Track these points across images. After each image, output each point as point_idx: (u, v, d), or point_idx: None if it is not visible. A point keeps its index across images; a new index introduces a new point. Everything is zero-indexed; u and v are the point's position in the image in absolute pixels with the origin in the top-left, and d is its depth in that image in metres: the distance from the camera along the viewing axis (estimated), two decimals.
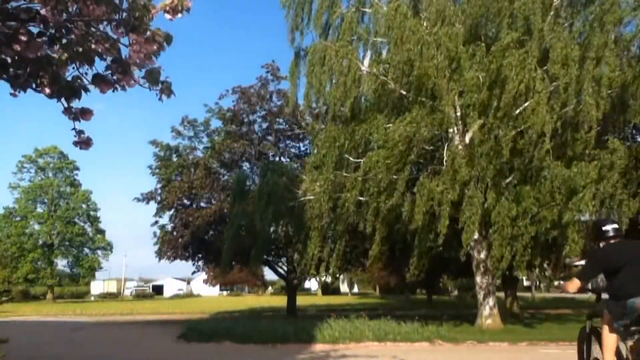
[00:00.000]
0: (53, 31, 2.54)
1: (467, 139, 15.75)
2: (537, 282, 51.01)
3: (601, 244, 5.13)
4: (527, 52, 14.03)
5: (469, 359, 11.29)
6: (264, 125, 26.17)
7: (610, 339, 4.88)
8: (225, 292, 77.97)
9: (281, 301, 31.70)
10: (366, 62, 17.21)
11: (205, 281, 67.55)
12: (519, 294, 28.47)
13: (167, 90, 2.63)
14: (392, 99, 16.82)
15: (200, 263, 27.48)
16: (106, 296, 65.74)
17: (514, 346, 12.68)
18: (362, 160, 15.93)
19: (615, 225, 5.16)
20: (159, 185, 25.97)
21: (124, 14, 2.44)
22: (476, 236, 15.68)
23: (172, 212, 25.11)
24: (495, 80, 14.48)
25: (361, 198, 16.15)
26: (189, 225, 23.72)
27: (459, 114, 15.85)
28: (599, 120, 14.10)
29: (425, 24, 15.57)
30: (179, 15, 2.45)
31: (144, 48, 2.48)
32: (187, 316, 27.07)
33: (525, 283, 51.57)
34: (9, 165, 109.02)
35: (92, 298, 65.26)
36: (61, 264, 58.86)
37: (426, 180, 14.98)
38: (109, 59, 2.61)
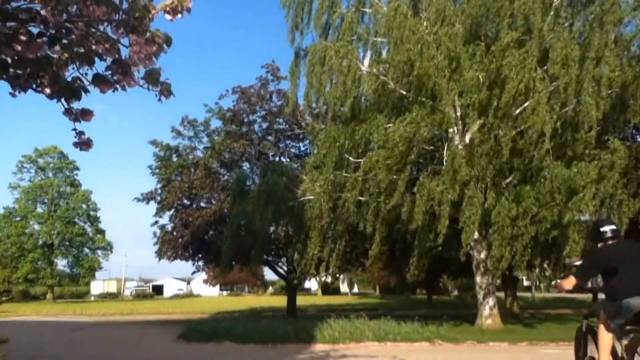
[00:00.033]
0: (53, 32, 2.54)
1: (467, 139, 15.75)
2: (537, 282, 51.03)
3: (599, 245, 5.20)
4: (527, 52, 14.03)
5: (469, 359, 11.29)
6: (264, 125, 26.19)
7: (606, 338, 4.95)
8: (225, 292, 77.97)
9: (281, 301, 31.70)
10: (366, 62, 17.20)
11: (205, 281, 67.55)
12: (519, 294, 28.48)
13: (166, 91, 2.63)
14: (392, 99, 16.82)
15: (200, 263, 27.49)
16: (106, 296, 65.76)
17: (514, 346, 12.68)
18: (362, 160, 15.94)
19: (613, 226, 5.23)
20: (159, 185, 25.99)
21: (124, 15, 2.44)
22: (476, 236, 15.68)
23: (172, 212, 25.12)
24: (495, 80, 14.48)
25: (361, 198, 16.15)
26: (189, 225, 23.73)
27: (459, 114, 15.85)
28: (599, 120, 14.09)
29: (425, 24, 15.56)
30: (179, 15, 2.45)
31: (143, 49, 2.48)
32: (187, 316, 27.08)
33: (525, 283, 51.59)
34: (9, 165, 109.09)
35: (92, 298, 65.27)
36: (61, 264, 58.98)
37: (426, 180, 14.98)
38: (109, 59, 2.62)
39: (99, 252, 60.18)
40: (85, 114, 2.72)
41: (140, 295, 70.47)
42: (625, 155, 14.21)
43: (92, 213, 59.13)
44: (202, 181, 24.34)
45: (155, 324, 22.79)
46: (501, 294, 24.43)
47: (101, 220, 60.39)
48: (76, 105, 2.71)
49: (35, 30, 2.56)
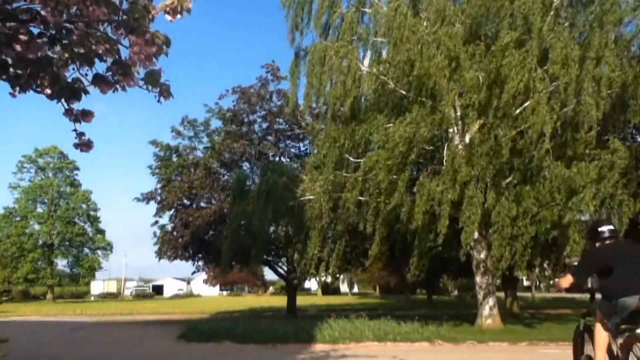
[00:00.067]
0: (53, 32, 2.54)
1: (467, 139, 15.75)
2: (537, 282, 51.03)
3: (597, 244, 5.28)
4: (527, 52, 14.03)
5: (469, 359, 11.30)
6: (264, 125, 26.18)
7: (602, 337, 5.02)
8: (225, 292, 77.96)
9: (281, 301, 31.70)
10: (366, 62, 17.20)
11: (205, 281, 67.56)
12: (519, 294, 28.48)
13: (166, 92, 2.63)
14: (392, 99, 16.82)
15: (200, 263, 27.50)
16: (106, 296, 65.75)
17: (514, 346, 12.68)
18: (362, 160, 15.94)
19: (611, 227, 5.30)
20: (159, 185, 25.99)
21: (124, 15, 2.44)
22: (476, 236, 15.68)
23: (172, 212, 25.12)
24: (495, 80, 14.47)
25: (361, 198, 16.15)
26: (189, 225, 23.73)
27: (458, 114, 15.85)
28: (599, 120, 14.09)
29: (425, 24, 15.56)
30: (179, 16, 2.46)
31: (143, 50, 2.48)
32: (187, 316, 27.08)
33: (525, 283, 51.59)
34: (9, 165, 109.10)
35: (92, 298, 65.27)
36: (61, 264, 58.98)
37: (426, 180, 14.98)
38: (109, 60, 2.62)
39: (99, 252, 60.22)
40: (85, 115, 2.72)
41: (140, 295, 70.47)
42: (625, 155, 14.21)
43: (92, 213, 59.14)
44: (202, 181, 24.34)
45: (155, 324, 22.79)
46: (501, 294, 24.42)
47: (101, 220, 60.48)
48: (76, 105, 2.71)
49: (35, 31, 2.57)
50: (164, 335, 16.48)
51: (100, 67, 2.65)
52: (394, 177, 15.11)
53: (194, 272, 31.81)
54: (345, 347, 12.21)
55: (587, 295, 5.59)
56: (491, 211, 14.70)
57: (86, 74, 2.64)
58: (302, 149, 26.67)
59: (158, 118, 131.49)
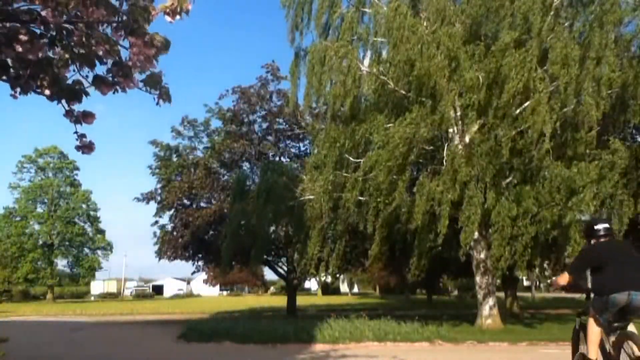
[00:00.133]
0: (54, 33, 2.54)
1: (467, 139, 15.75)
2: (537, 282, 50.97)
3: (592, 241, 5.48)
4: (527, 52, 14.02)
5: (469, 359, 11.30)
6: (264, 125, 26.19)
7: (594, 333, 5.18)
8: (225, 292, 77.97)
9: (281, 301, 31.70)
10: (366, 62, 17.20)
11: (205, 281, 67.56)
12: (519, 294, 28.48)
13: (165, 95, 2.63)
14: (392, 99, 16.82)
15: (200, 263, 27.51)
16: (106, 296, 65.75)
17: (514, 346, 12.69)
18: (362, 160, 15.94)
19: (607, 225, 5.48)
20: (159, 185, 26.00)
21: (123, 17, 2.44)
22: (476, 236, 15.68)
23: (172, 212, 25.13)
24: (495, 80, 14.48)
25: (361, 198, 16.15)
26: (189, 225, 23.74)
27: (458, 114, 15.86)
28: (599, 120, 14.09)
29: (425, 24, 15.57)
30: (179, 17, 2.46)
31: (143, 51, 2.48)
32: (187, 316, 27.08)
33: (525, 283, 51.57)
34: (9, 165, 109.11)
35: (92, 298, 65.28)
36: (61, 264, 58.98)
37: (426, 180, 14.98)
38: (110, 61, 2.62)
39: (99, 252, 60.22)
40: (86, 117, 2.71)
41: (140, 295, 70.47)
42: (625, 155, 14.22)
43: (92, 213, 59.14)
44: (202, 181, 24.35)
45: (155, 324, 22.79)
46: (501, 294, 24.43)
47: (101, 220, 60.47)
48: (77, 107, 2.70)
49: (36, 31, 2.56)
50: (164, 335, 16.48)
51: (100, 69, 2.65)
52: (394, 177, 15.11)
53: (194, 272, 31.87)
54: (345, 347, 12.21)
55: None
56: (491, 211, 14.70)
57: (86, 76, 2.64)
58: (302, 149, 26.70)
59: (158, 118, 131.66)
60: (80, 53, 2.56)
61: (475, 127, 15.50)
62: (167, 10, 2.45)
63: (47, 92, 2.62)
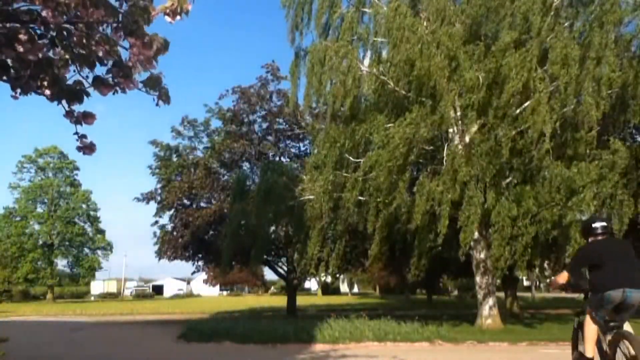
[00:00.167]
0: (54, 33, 2.54)
1: (466, 139, 15.75)
2: (537, 282, 51.00)
3: (590, 240, 5.60)
4: (527, 52, 14.02)
5: (469, 359, 11.30)
6: (264, 125, 26.19)
7: (590, 330, 5.27)
8: (225, 292, 77.98)
9: (281, 301, 31.71)
10: (366, 62, 17.20)
11: (205, 281, 67.57)
12: (519, 294, 28.48)
13: (165, 96, 2.63)
14: (392, 99, 16.82)
15: (200, 263, 27.51)
16: (106, 296, 65.76)
17: (514, 346, 12.68)
18: (362, 160, 15.94)
19: (604, 223, 5.59)
20: (159, 185, 26.00)
21: (121, 18, 2.44)
22: (476, 236, 15.69)
23: (172, 212, 25.13)
24: (495, 80, 14.48)
25: (361, 198, 16.15)
26: (189, 225, 23.74)
27: (458, 114, 15.85)
28: (599, 120, 14.09)
29: (425, 24, 15.57)
30: (179, 17, 2.46)
31: (142, 52, 2.48)
32: (187, 316, 27.08)
33: (525, 283, 51.59)
34: (9, 165, 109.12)
35: (92, 298, 65.29)
36: (61, 264, 59.00)
37: (426, 180, 14.98)
38: (110, 62, 2.62)
39: (99, 252, 60.24)
40: (87, 117, 2.71)
41: (140, 295, 70.48)
42: (625, 156, 14.22)
43: (92, 213, 59.16)
44: (202, 181, 24.35)
45: (155, 324, 22.79)
46: (501, 294, 24.42)
47: (101, 220, 60.51)
48: (77, 107, 2.70)
49: (36, 32, 2.57)
50: (164, 335, 16.48)
51: (100, 69, 2.65)
52: (394, 177, 15.11)
53: (194, 272, 31.87)
54: (345, 347, 12.20)
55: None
56: (491, 211, 14.70)
57: (87, 76, 2.64)
58: (302, 149, 26.71)
59: (158, 118, 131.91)
60: (81, 54, 2.56)
61: (475, 127, 15.51)
62: (167, 10, 2.45)
63: (47, 92, 2.62)
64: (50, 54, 2.61)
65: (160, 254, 25.32)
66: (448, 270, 30.70)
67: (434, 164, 16.49)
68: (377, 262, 24.40)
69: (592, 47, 14.23)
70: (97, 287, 69.07)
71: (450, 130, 16.09)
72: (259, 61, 51.28)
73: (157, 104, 2.64)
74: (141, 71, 2.59)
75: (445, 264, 24.73)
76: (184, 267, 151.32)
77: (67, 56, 2.59)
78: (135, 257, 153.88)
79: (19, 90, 2.64)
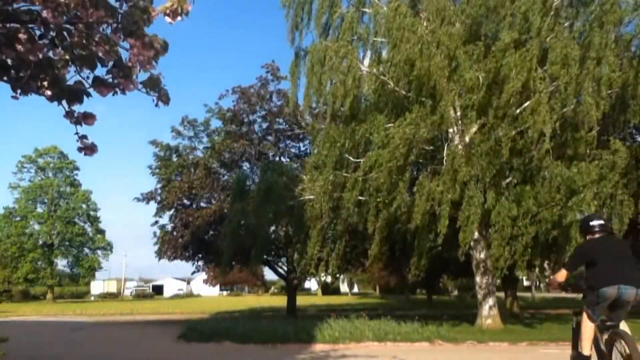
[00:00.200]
0: (54, 34, 2.54)
1: (466, 139, 15.75)
2: (537, 282, 51.03)
3: (588, 237, 5.73)
4: (527, 52, 14.02)
5: (469, 359, 11.30)
6: (264, 125, 26.19)
7: (588, 328, 5.37)
8: (225, 292, 77.98)
9: (281, 301, 31.71)
10: (366, 62, 17.20)
11: (205, 281, 67.58)
12: (519, 294, 28.48)
13: (164, 97, 2.64)
14: (392, 99, 16.82)
15: (200, 263, 27.51)
16: (106, 296, 65.76)
17: (514, 346, 12.69)
18: (362, 160, 15.94)
19: (601, 221, 5.70)
20: (159, 185, 26.00)
21: (122, 18, 2.44)
22: (476, 236, 15.69)
23: (172, 212, 25.13)
24: (495, 80, 14.48)
25: (361, 198, 16.15)
26: (189, 225, 23.74)
27: (458, 114, 15.85)
28: (599, 120, 14.09)
29: (425, 24, 15.57)
30: (179, 18, 2.46)
31: (142, 53, 2.48)
32: (187, 316, 27.08)
33: (525, 283, 51.60)
34: (9, 165, 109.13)
35: (92, 298, 65.29)
36: (61, 264, 59.01)
37: (426, 180, 14.98)
38: (110, 63, 2.62)
39: (99, 252, 60.25)
40: (87, 118, 2.71)
41: (140, 295, 70.47)
42: (625, 156, 14.22)
43: (92, 213, 59.16)
44: (202, 181, 24.35)
45: (155, 324, 22.79)
46: (501, 294, 24.43)
47: (101, 220, 60.51)
48: (77, 108, 2.70)
49: (36, 32, 2.57)
50: (164, 335, 16.48)
51: (101, 70, 2.65)
52: (395, 177, 15.11)
53: (194, 272, 31.86)
54: (345, 347, 12.21)
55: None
56: (491, 211, 14.70)
57: (87, 77, 2.64)
58: (302, 149, 26.71)
59: (158, 118, 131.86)
60: (81, 54, 2.56)
61: (475, 127, 15.51)
62: (167, 11, 2.45)
63: (47, 93, 2.62)
64: (51, 54, 2.61)
65: (160, 254, 25.33)
66: (448, 270, 30.71)
67: (434, 164, 16.49)
68: (377, 262, 24.42)
69: (592, 47, 14.23)
70: (97, 287, 69.07)
71: (450, 130, 16.08)
72: (259, 61, 51.38)
73: (156, 105, 2.64)
74: (141, 72, 2.59)
75: (445, 264, 24.73)
76: (184, 267, 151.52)
77: (67, 56, 2.59)
78: (135, 257, 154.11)
79: (19, 91, 2.64)
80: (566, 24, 15.31)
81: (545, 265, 23.55)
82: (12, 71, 2.62)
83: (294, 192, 18.10)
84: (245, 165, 26.50)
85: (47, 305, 44.29)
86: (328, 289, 66.31)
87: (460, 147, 15.43)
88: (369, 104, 17.55)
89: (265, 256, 23.88)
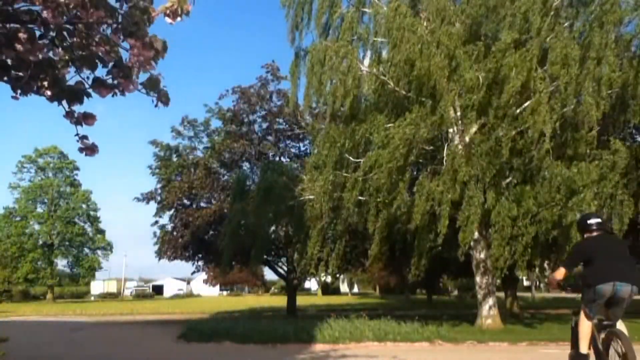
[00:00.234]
0: (54, 34, 2.54)
1: (466, 139, 15.75)
2: (537, 282, 51.03)
3: (585, 235, 5.78)
4: (527, 52, 14.02)
5: (469, 359, 11.30)
6: (264, 125, 26.19)
7: (585, 327, 5.43)
8: (225, 292, 77.99)
9: (281, 301, 31.71)
10: (366, 62, 17.20)
11: (205, 281, 67.60)
12: (519, 294, 28.47)
13: (164, 97, 2.64)
14: (392, 99, 16.81)
15: (200, 263, 27.51)
16: (106, 296, 65.78)
17: (514, 346, 12.68)
18: (362, 160, 15.94)
19: (599, 220, 5.75)
20: (159, 185, 26.01)
21: (122, 19, 2.44)
22: (476, 236, 15.69)
23: (172, 212, 25.13)
24: (495, 80, 14.47)
25: (361, 198, 16.15)
26: (189, 225, 23.74)
27: (458, 114, 15.85)
28: (599, 120, 14.09)
29: (425, 24, 15.57)
30: (179, 18, 2.46)
31: (142, 53, 2.48)
32: (187, 316, 27.08)
33: (525, 283, 51.60)
34: (9, 165, 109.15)
35: (92, 298, 65.31)
36: (61, 264, 59.05)
37: (426, 180, 14.98)
38: (110, 63, 2.62)
39: (99, 252, 60.29)
40: (87, 118, 2.71)
41: (140, 295, 70.48)
42: (626, 156, 14.22)
43: (92, 213, 59.19)
44: (202, 181, 24.35)
45: (155, 324, 22.79)
46: (501, 294, 24.42)
47: (101, 220, 60.56)
48: (77, 108, 2.70)
49: (36, 32, 2.57)
50: (164, 335, 16.48)
51: (101, 71, 2.65)
52: (395, 177, 15.11)
53: (194, 272, 31.86)
54: (345, 347, 12.20)
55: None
56: (491, 211, 14.70)
57: (87, 77, 2.64)
58: (302, 149, 26.71)
59: (158, 118, 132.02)
60: (81, 54, 2.56)
61: (475, 127, 15.50)
62: (167, 11, 2.45)
63: (47, 93, 2.62)
64: (51, 54, 2.61)
65: (160, 254, 25.33)
66: (448, 270, 30.70)
67: (434, 164, 16.48)
68: (377, 262, 24.43)
69: (592, 47, 14.23)
70: (97, 287, 69.09)
71: (450, 130, 16.08)
72: (259, 61, 51.40)
73: (156, 105, 2.64)
74: (141, 72, 2.60)
75: (445, 264, 24.73)
76: (184, 267, 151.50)
77: (67, 57, 2.59)
78: (135, 257, 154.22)
79: (19, 91, 2.64)
80: (566, 24, 15.30)
81: (545, 265, 23.54)
82: (12, 71, 2.62)
83: (294, 192, 18.10)
84: (245, 165, 26.51)
85: (47, 305, 44.30)
86: (328, 289, 66.31)
87: (460, 147, 15.43)
88: (369, 104, 17.54)
89: (265, 256, 23.88)
